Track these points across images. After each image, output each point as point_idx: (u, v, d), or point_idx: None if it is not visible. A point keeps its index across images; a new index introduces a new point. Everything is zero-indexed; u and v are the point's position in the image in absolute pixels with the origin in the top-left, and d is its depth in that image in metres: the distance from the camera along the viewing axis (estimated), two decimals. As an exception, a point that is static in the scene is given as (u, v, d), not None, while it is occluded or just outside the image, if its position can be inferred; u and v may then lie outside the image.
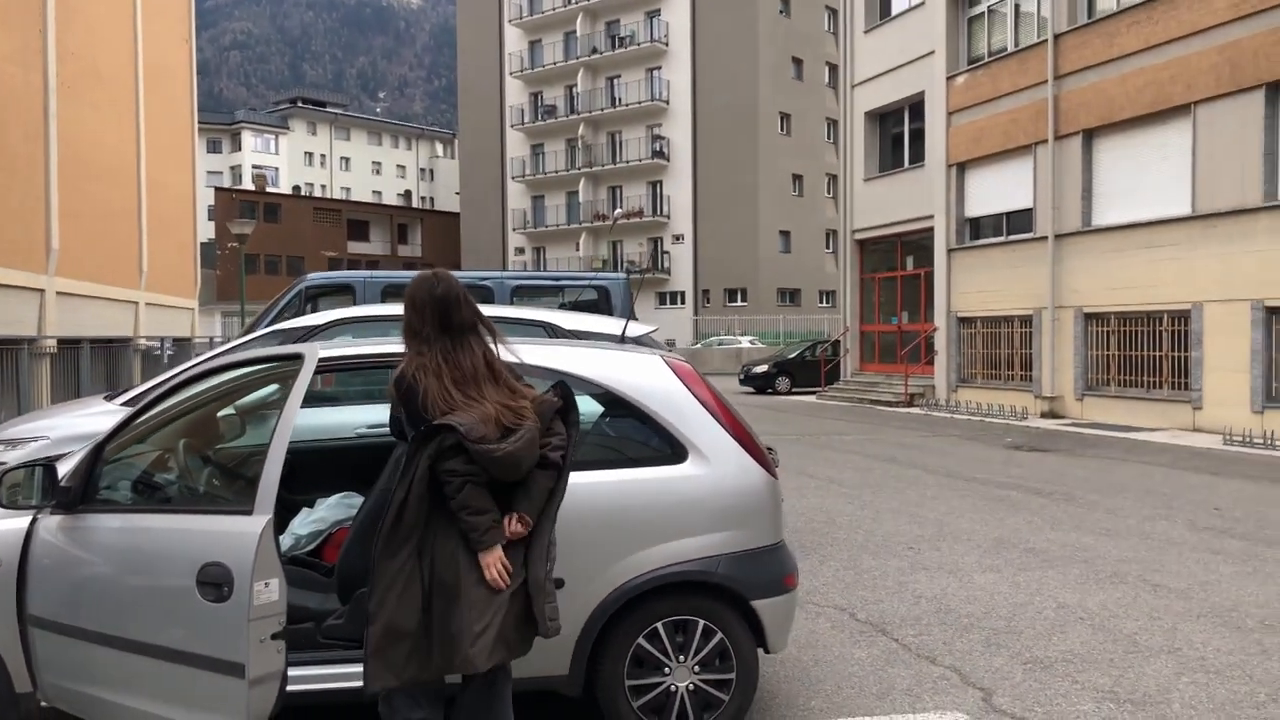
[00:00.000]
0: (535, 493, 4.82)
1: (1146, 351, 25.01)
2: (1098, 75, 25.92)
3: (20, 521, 5.43)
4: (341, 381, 9.58)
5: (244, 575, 4.63)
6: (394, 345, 6.49)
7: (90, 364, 21.77)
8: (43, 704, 5.45)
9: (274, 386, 7.02)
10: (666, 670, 5.82)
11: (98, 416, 9.22)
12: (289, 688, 5.07)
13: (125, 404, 9.38)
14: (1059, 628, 8.29)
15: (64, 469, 5.57)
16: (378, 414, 8.68)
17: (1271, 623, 8.41)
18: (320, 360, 5.29)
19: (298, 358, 5.22)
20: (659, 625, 5.82)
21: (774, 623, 6.02)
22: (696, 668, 5.85)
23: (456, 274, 16.48)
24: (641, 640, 5.80)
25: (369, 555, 5.62)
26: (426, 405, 4.75)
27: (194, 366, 9.13)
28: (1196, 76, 23.16)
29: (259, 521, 4.69)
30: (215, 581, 4.70)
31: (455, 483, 4.61)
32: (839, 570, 10.36)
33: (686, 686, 5.84)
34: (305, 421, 7.33)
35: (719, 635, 5.87)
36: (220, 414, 7.11)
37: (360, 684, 4.87)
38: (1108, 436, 22.81)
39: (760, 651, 6.06)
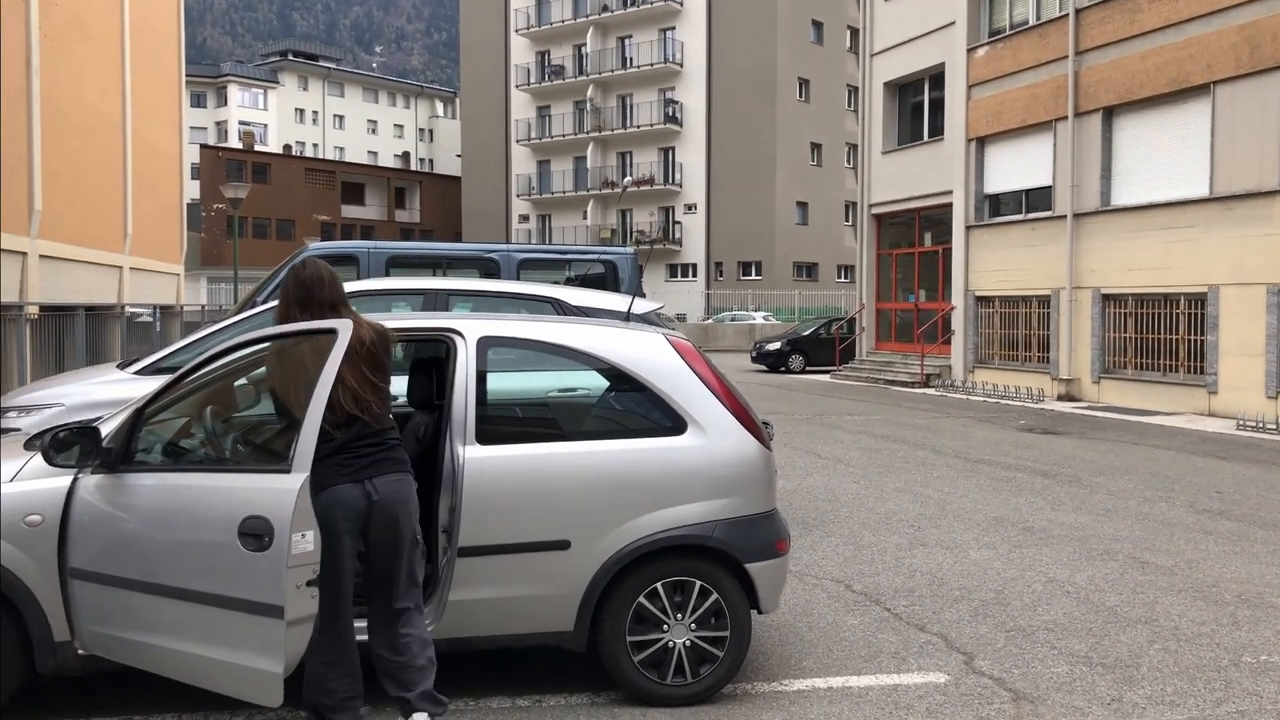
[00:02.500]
0: None
1: (1163, 334, 25.73)
2: (1118, 52, 26.56)
3: (62, 480, 6.16)
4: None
5: (283, 527, 5.38)
6: (419, 319, 7.29)
7: (84, 332, 21.74)
8: (80, 651, 6.15)
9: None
10: (665, 627, 6.62)
11: (112, 385, 9.89)
12: None
13: (138, 373, 10.03)
14: (1045, 600, 9.09)
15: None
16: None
17: (1248, 597, 9.21)
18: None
19: (332, 331, 5.98)
20: (659, 585, 6.61)
21: (766, 585, 6.82)
22: (693, 625, 6.64)
23: (460, 245, 17.07)
24: (642, 599, 6.59)
25: None
26: None
27: (220, 335, 9.84)
28: (1216, 56, 23.82)
29: (297, 479, 5.45)
30: (256, 532, 5.45)
31: None
32: (839, 546, 11.14)
33: (684, 643, 6.64)
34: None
35: (714, 595, 6.66)
36: (235, 384, 7.82)
37: None
38: (1121, 420, 23.56)
39: (754, 613, 6.87)
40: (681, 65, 77.53)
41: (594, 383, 7.27)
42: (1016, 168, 30.51)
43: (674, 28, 78.22)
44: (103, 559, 6.02)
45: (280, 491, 5.48)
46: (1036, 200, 29.83)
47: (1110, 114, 27.07)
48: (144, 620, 5.93)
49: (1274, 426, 21.39)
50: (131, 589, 5.92)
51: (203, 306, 43.71)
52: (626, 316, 8.19)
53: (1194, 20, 24.36)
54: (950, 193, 32.77)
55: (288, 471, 5.53)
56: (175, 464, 6.43)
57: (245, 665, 5.55)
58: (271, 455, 6.35)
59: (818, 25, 76.55)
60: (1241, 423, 22.04)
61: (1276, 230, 22.37)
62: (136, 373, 10.08)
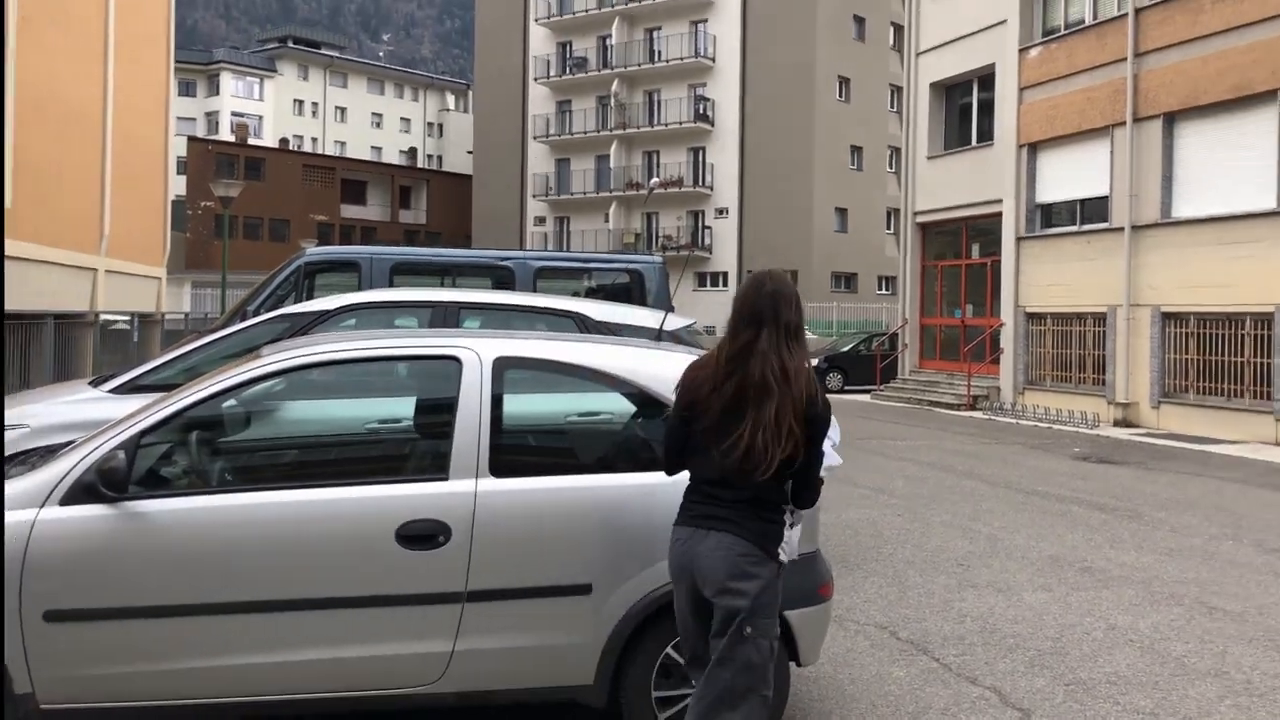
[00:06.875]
0: None
1: (1227, 357, 25.57)
2: (1180, 54, 26.47)
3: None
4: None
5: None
6: (424, 337, 7.18)
7: (52, 343, 20.97)
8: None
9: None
10: (694, 682, 6.41)
11: (83, 404, 9.63)
12: None
13: (113, 391, 9.77)
14: (1106, 649, 8.97)
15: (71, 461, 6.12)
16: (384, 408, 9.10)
17: (1330, 652, 9.06)
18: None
19: (454, 360, 6.36)
20: (688, 634, 6.44)
21: (807, 634, 6.64)
22: (726, 679, 6.47)
23: (472, 252, 16.94)
24: (670, 650, 6.41)
25: None
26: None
27: (209, 349, 9.67)
28: (1281, 62, 23.72)
29: None
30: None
31: None
32: (882, 587, 11.01)
33: (715, 699, 6.46)
34: (315, 414, 7.86)
35: (749, 646, 6.48)
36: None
37: None
38: (1183, 449, 23.39)
39: (792, 665, 6.70)
40: (714, 60, 76.96)
41: (621, 408, 7.12)
42: (1071, 176, 30.37)
43: (706, 20, 77.58)
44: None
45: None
46: (1092, 211, 29.70)
47: (1172, 120, 26.94)
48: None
49: (1350, 458, 21.16)
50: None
51: (186, 314, 43.26)
52: (658, 335, 8.06)
53: (1257, 24, 24.33)
54: (1000, 201, 32.59)
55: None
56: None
57: None
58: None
59: (860, 21, 75.97)
60: (1314, 453, 21.82)
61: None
62: (111, 391, 9.80)
